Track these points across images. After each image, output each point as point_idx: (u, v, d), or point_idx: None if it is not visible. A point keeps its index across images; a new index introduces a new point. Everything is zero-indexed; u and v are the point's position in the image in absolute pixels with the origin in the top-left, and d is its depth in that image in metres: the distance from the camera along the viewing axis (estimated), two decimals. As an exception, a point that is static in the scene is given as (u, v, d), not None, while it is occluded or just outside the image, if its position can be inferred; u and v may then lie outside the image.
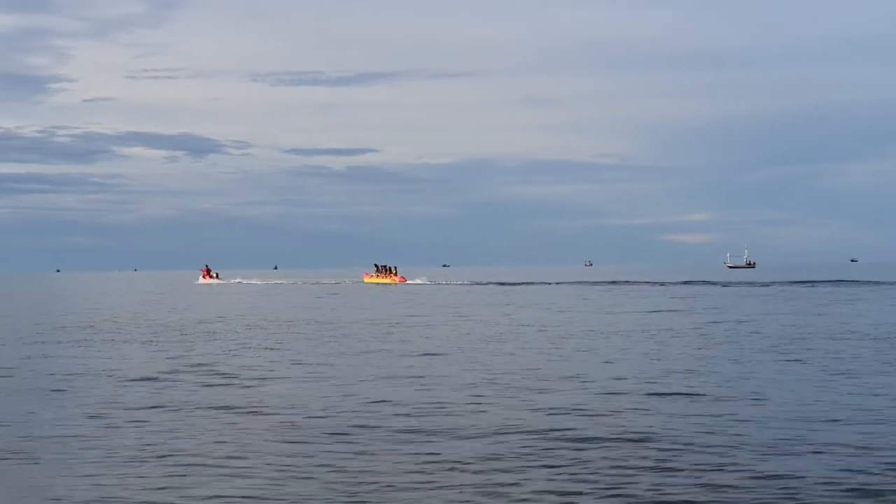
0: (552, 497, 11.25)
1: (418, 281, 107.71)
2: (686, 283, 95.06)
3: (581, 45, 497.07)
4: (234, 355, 27.89)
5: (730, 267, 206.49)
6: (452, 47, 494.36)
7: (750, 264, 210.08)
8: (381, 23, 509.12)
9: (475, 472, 12.37)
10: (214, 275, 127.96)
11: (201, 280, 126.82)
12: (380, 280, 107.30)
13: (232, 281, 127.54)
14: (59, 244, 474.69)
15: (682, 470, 12.29)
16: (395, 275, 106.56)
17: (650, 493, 11.32)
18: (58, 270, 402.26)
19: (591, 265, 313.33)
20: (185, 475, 12.51)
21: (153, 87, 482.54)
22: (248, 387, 20.90)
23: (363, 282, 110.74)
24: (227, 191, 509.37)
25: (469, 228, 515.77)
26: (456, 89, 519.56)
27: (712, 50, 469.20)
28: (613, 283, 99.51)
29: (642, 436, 14.41)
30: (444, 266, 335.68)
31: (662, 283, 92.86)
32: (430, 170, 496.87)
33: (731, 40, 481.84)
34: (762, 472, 12.16)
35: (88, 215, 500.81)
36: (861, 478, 11.84)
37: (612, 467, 12.52)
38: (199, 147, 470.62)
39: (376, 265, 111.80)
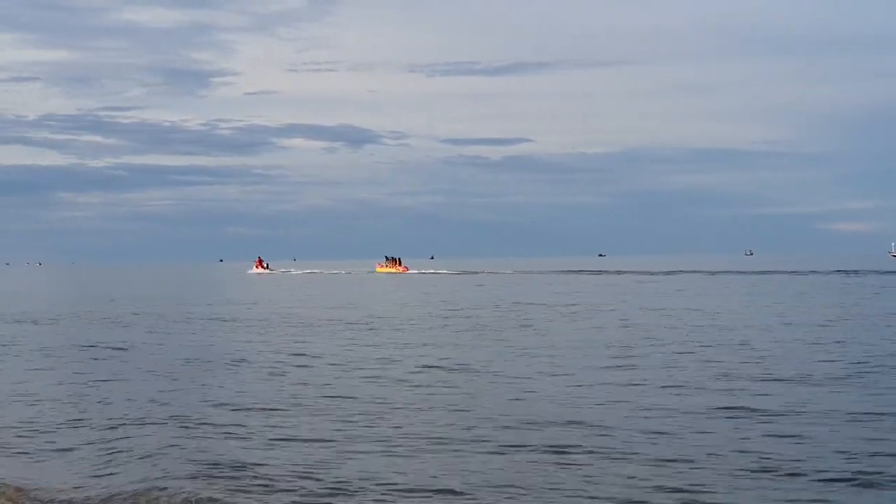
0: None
1: (413, 271, 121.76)
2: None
3: (738, 30, 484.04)
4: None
5: (894, 256, 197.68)
6: (608, 35, 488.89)
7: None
8: (537, 12, 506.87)
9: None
10: (266, 265, 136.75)
11: (254, 270, 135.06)
12: (389, 270, 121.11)
13: (280, 271, 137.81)
14: (221, 235, 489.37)
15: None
16: (400, 265, 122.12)
17: None
18: (220, 260, 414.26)
19: (752, 254, 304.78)
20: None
21: (313, 80, 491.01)
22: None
23: (376, 271, 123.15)
24: (384, 181, 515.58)
25: (625, 218, 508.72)
26: (611, 77, 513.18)
27: (875, 34, 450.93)
28: (768, 271, 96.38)
29: None
30: (600, 255, 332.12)
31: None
32: (586, 159, 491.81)
33: (894, 24, 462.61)
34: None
35: (250, 206, 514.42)
36: None
37: None
38: (356, 138, 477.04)
39: (386, 257, 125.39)
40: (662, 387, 18.14)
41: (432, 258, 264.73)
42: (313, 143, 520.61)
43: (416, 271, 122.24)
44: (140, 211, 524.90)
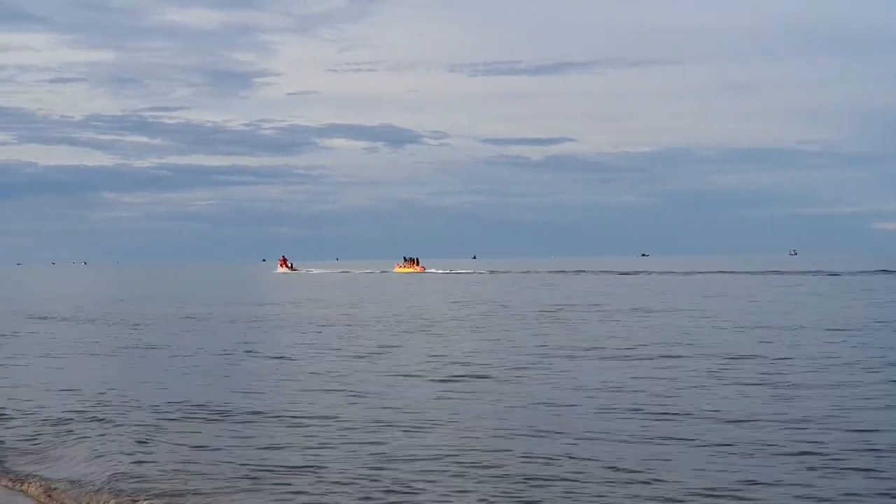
0: None
1: (433, 270, 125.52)
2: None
3: (783, 30, 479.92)
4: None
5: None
6: (651, 35, 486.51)
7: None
8: (579, 11, 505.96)
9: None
10: (290, 265, 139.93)
11: (279, 269, 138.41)
12: (406, 269, 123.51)
13: (304, 271, 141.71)
14: (264, 234, 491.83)
15: None
16: (418, 265, 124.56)
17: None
18: (263, 260, 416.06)
19: (797, 254, 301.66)
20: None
21: (354, 80, 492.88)
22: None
23: (394, 271, 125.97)
24: (425, 181, 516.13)
25: (668, 217, 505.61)
26: (654, 77, 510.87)
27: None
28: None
29: None
30: (643, 255, 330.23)
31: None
32: (629, 158, 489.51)
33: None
34: None
35: (292, 206, 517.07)
36: None
37: None
38: (397, 138, 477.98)
39: (405, 257, 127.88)
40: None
41: (475, 258, 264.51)
42: (354, 143, 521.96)
43: (435, 270, 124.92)
44: (184, 211, 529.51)
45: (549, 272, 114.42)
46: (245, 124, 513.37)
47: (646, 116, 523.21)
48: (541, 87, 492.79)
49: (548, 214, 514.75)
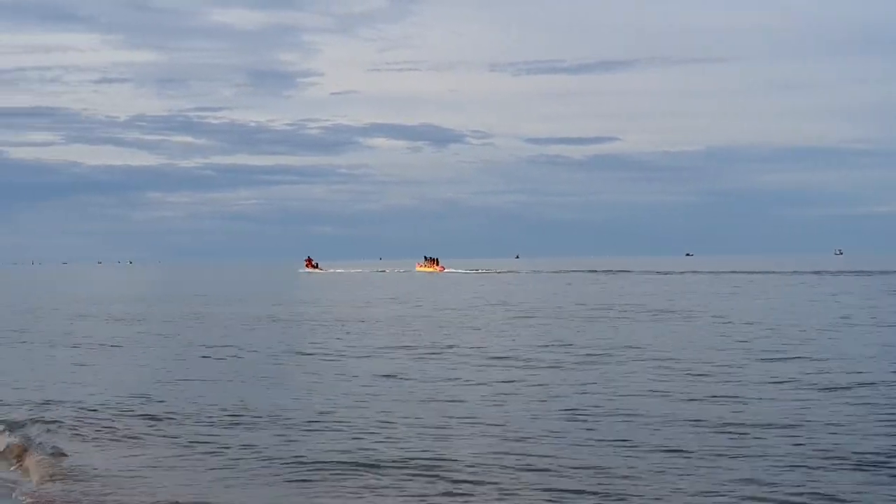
0: None
1: (460, 270, 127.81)
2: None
3: (830, 28, 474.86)
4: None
5: None
6: (696, 33, 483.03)
7: None
8: (623, 9, 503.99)
9: None
10: (315, 264, 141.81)
11: (305, 269, 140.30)
12: (427, 269, 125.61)
13: (330, 270, 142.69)
14: (307, 234, 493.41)
15: None
16: (438, 265, 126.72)
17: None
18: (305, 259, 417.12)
19: (842, 254, 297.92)
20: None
21: (396, 80, 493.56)
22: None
23: (416, 270, 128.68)
24: (468, 180, 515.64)
25: (713, 217, 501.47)
26: (699, 76, 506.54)
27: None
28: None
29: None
30: (688, 255, 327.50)
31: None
32: (673, 157, 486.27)
33: None
34: None
35: (335, 205, 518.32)
36: None
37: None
38: (440, 137, 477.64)
39: (425, 257, 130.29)
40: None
41: (517, 258, 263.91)
42: (397, 143, 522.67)
43: (452, 270, 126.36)
44: (228, 210, 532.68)
45: (591, 271, 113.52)
46: (288, 124, 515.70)
47: (691, 115, 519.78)
48: (583, 86, 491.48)
49: (591, 213, 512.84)
